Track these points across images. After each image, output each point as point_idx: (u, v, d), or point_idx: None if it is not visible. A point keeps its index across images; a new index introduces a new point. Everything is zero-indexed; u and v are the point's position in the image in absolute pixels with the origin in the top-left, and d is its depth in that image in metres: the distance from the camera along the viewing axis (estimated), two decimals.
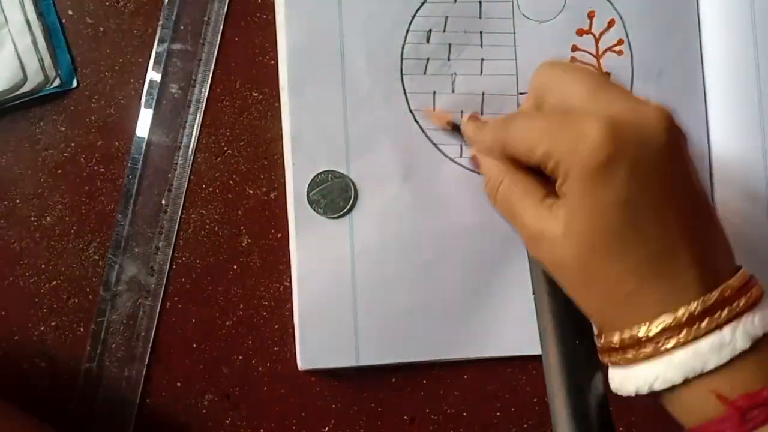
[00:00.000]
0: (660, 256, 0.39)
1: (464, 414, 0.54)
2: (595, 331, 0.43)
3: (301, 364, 0.52)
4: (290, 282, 0.52)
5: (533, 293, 0.48)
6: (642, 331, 0.39)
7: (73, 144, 0.52)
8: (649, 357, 0.39)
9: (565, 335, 0.45)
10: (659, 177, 0.39)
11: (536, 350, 0.48)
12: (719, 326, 0.38)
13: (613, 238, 0.39)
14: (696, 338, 0.38)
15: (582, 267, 0.40)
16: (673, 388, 0.39)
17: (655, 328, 0.38)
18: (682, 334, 0.38)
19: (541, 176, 0.44)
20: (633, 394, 0.40)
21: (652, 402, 0.52)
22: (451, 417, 0.54)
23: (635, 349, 0.39)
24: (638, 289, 0.39)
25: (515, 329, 0.52)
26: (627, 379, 0.40)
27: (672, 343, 0.38)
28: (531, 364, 0.54)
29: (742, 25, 0.54)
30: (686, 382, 0.38)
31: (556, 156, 0.40)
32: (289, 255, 0.52)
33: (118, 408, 0.52)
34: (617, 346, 0.40)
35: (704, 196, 0.41)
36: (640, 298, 0.39)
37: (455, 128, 0.52)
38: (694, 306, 0.38)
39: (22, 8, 0.51)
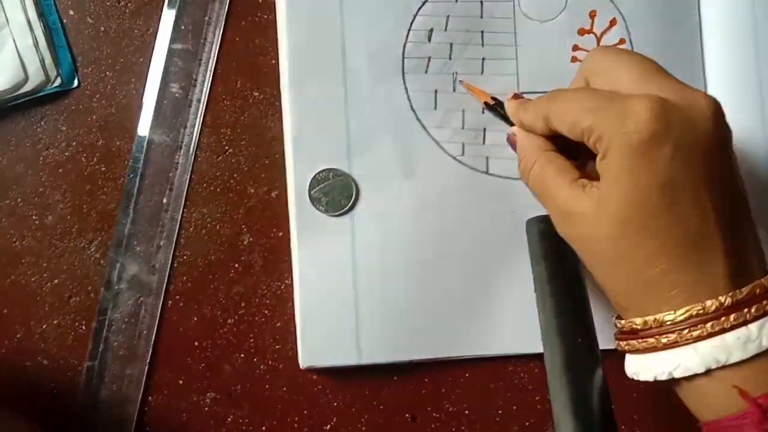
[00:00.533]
0: (694, 241, 0.39)
1: (466, 412, 0.54)
2: (613, 318, 0.44)
3: (303, 362, 0.52)
4: (291, 280, 0.52)
5: (535, 291, 0.48)
6: (669, 317, 0.39)
7: (74, 143, 0.53)
8: (672, 344, 0.39)
9: (567, 333, 0.45)
10: (702, 162, 0.39)
11: (538, 348, 0.48)
12: (746, 322, 0.38)
13: (649, 217, 0.39)
14: (723, 331, 0.38)
15: (613, 244, 0.40)
16: (692, 378, 0.39)
17: (681, 315, 0.39)
18: (709, 325, 0.38)
19: (575, 160, 0.45)
20: (651, 380, 0.41)
21: (654, 400, 0.52)
22: (453, 415, 0.54)
23: (658, 335, 0.40)
24: (668, 271, 0.39)
25: (517, 327, 0.52)
26: (646, 365, 0.41)
27: (697, 332, 0.38)
28: (533, 362, 0.54)
29: (743, 24, 0.54)
30: (708, 372, 0.38)
31: (599, 130, 0.40)
32: (291, 253, 0.52)
33: (120, 406, 0.52)
34: (639, 328, 0.40)
35: (744, 193, 0.41)
36: (669, 281, 0.39)
37: (496, 105, 0.52)
38: (724, 299, 0.38)
39: (23, 8, 0.51)
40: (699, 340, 0.38)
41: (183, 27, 0.52)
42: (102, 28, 0.53)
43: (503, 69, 0.53)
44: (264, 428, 0.53)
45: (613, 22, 0.54)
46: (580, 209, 0.41)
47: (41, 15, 0.52)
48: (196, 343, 0.53)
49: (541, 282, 0.48)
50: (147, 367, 0.52)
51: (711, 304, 0.38)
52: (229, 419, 0.53)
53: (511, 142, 0.50)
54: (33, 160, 0.52)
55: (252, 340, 0.53)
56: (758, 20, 0.54)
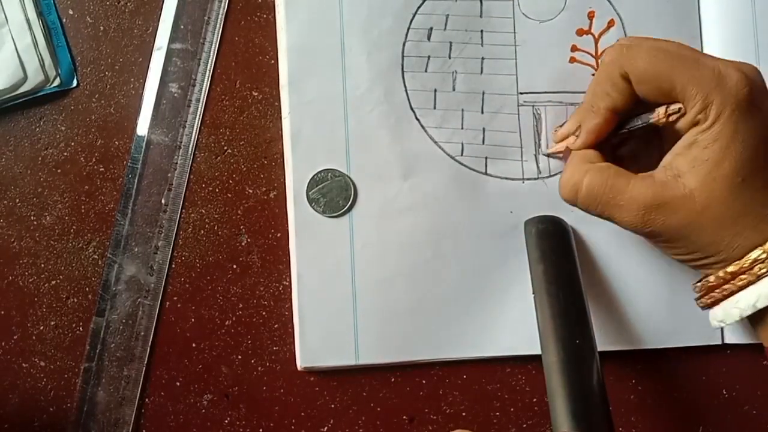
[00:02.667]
0: None
1: (463, 413, 0.54)
2: (695, 283, 0.46)
3: (301, 363, 0.52)
4: (290, 281, 0.52)
5: (533, 293, 0.48)
6: (756, 254, 0.42)
7: (72, 143, 0.53)
8: (748, 283, 0.42)
9: (565, 334, 0.45)
10: None
11: (535, 350, 0.48)
12: None
13: (760, 170, 0.42)
14: None
15: (729, 206, 0.42)
16: None
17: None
18: None
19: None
20: (738, 318, 0.43)
21: (652, 402, 0.52)
22: (451, 416, 0.53)
23: (734, 280, 0.43)
24: None
25: (515, 329, 0.52)
26: (730, 309, 0.44)
27: None
28: (530, 363, 0.54)
29: (743, 25, 0.54)
30: None
31: (701, 94, 0.42)
32: (289, 254, 0.52)
33: (117, 408, 0.52)
34: (731, 273, 0.43)
35: None
36: None
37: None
38: None
39: (22, 7, 0.51)
40: None
41: (182, 27, 0.52)
42: (101, 28, 0.53)
43: (502, 68, 0.53)
44: (261, 430, 0.53)
45: (611, 23, 0.54)
46: (680, 191, 0.43)
47: (40, 14, 0.52)
48: (194, 345, 0.53)
49: (539, 282, 0.48)
50: (144, 368, 0.52)
51: None
52: (227, 420, 0.53)
53: (565, 156, 0.50)
54: (32, 160, 0.52)
55: (250, 341, 0.53)
56: (758, 21, 0.54)
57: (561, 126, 0.51)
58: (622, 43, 0.46)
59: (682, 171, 0.43)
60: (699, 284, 0.46)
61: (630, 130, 0.48)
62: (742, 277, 0.43)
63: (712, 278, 0.44)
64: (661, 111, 0.44)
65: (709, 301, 0.45)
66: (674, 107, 0.44)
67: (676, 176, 0.43)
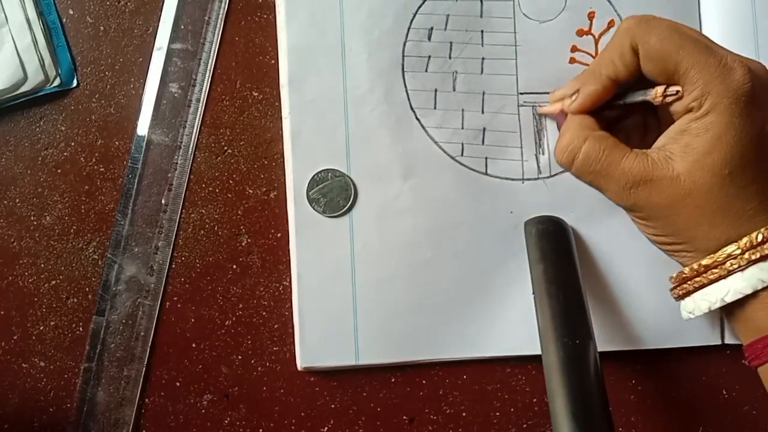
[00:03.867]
0: None
1: (463, 414, 0.54)
2: (672, 279, 0.47)
3: (301, 363, 0.52)
4: (290, 282, 0.52)
5: (533, 293, 0.48)
6: (730, 249, 0.43)
7: (73, 143, 0.53)
8: (719, 277, 0.43)
9: (565, 334, 0.45)
10: None
11: (535, 350, 0.48)
12: None
13: (749, 166, 0.43)
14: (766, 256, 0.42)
15: (713, 196, 0.43)
16: (743, 303, 0.44)
17: (744, 245, 0.43)
18: (750, 253, 0.43)
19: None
20: (706, 311, 0.45)
21: (651, 402, 0.52)
22: (451, 417, 0.53)
23: (707, 272, 0.44)
24: (758, 210, 0.43)
25: (515, 329, 0.52)
26: (700, 301, 0.45)
27: (746, 259, 0.42)
28: (530, 364, 0.54)
29: (743, 25, 0.54)
30: (755, 294, 0.43)
31: (701, 81, 0.43)
32: (289, 255, 0.52)
33: (117, 408, 0.52)
34: (705, 266, 0.44)
35: None
36: (756, 219, 0.43)
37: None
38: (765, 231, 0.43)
39: (22, 7, 0.51)
40: (747, 267, 0.42)
41: (182, 27, 0.52)
42: (101, 28, 0.53)
43: (502, 68, 0.53)
44: (261, 430, 0.53)
45: (611, 24, 0.54)
46: (668, 172, 0.44)
47: (40, 14, 0.52)
48: (194, 345, 0.53)
49: (539, 283, 0.48)
50: (144, 368, 0.52)
51: (756, 234, 0.42)
52: (227, 421, 0.53)
53: (559, 119, 0.51)
54: (32, 160, 0.52)
55: (250, 342, 0.53)
56: (758, 21, 0.54)
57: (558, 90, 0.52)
58: (643, 15, 0.46)
59: (673, 154, 0.44)
60: (674, 275, 0.47)
61: (626, 103, 0.48)
62: (714, 270, 0.44)
63: (686, 270, 0.45)
64: (659, 90, 0.45)
65: (681, 292, 0.46)
66: (672, 89, 0.44)
67: (667, 158, 0.44)
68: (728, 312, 0.45)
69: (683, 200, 0.44)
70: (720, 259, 0.43)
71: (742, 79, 0.42)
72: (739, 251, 0.43)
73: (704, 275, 0.44)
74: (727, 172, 0.43)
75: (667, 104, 0.45)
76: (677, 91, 0.44)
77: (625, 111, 0.50)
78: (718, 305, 0.44)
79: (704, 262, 0.44)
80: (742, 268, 0.43)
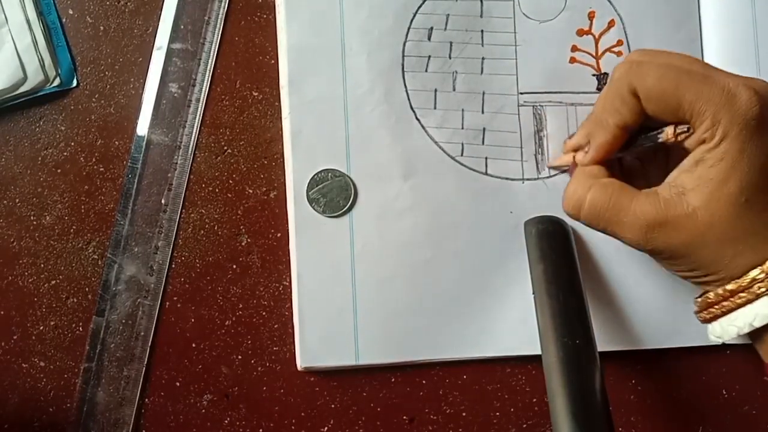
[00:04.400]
0: None
1: (463, 414, 0.54)
2: (696, 298, 0.46)
3: (301, 363, 0.52)
4: (290, 282, 0.52)
5: (533, 293, 0.48)
6: (754, 273, 0.42)
7: (72, 143, 0.52)
8: (747, 301, 0.43)
9: (565, 334, 0.45)
10: None
11: (535, 350, 0.48)
12: None
13: (765, 187, 0.42)
14: None
15: (732, 225, 0.42)
16: None
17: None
18: None
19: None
20: (735, 336, 0.44)
21: (651, 402, 0.52)
22: (451, 417, 0.53)
23: (733, 297, 0.43)
24: None
25: (515, 329, 0.52)
26: (727, 326, 0.44)
27: None
28: (530, 364, 0.54)
29: (743, 26, 0.54)
30: None
31: (709, 112, 0.42)
32: (289, 254, 0.52)
33: (117, 408, 0.51)
34: (730, 291, 0.43)
35: None
36: None
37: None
38: None
39: (22, 7, 0.51)
40: None
41: (182, 26, 0.52)
42: (101, 28, 0.53)
43: (503, 68, 0.53)
44: (261, 430, 0.53)
45: (611, 24, 0.54)
46: (683, 210, 0.43)
47: (40, 14, 0.52)
48: (194, 345, 0.53)
49: (539, 283, 0.48)
50: (144, 368, 0.52)
51: None
52: (227, 421, 0.53)
53: (571, 174, 0.50)
54: (31, 160, 0.52)
55: (250, 342, 0.53)
56: (758, 22, 0.54)
57: (570, 138, 0.51)
58: (633, 58, 0.45)
59: (686, 188, 0.43)
60: (699, 299, 0.46)
61: (638, 149, 0.47)
62: (741, 295, 0.43)
63: (711, 295, 0.44)
64: (669, 131, 0.44)
65: (708, 316, 0.45)
66: (682, 127, 0.44)
67: (680, 194, 0.43)
68: (755, 335, 0.44)
69: (703, 235, 0.42)
70: (744, 284, 0.42)
71: (749, 102, 0.41)
72: (763, 275, 0.42)
73: (731, 300, 0.43)
74: (744, 200, 0.42)
75: (680, 142, 0.44)
76: (687, 128, 0.43)
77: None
78: (746, 330, 0.43)
79: (729, 287, 0.43)
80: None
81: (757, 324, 0.42)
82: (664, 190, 0.44)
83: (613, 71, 0.46)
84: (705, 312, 0.45)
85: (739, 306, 0.43)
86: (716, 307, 0.44)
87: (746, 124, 0.41)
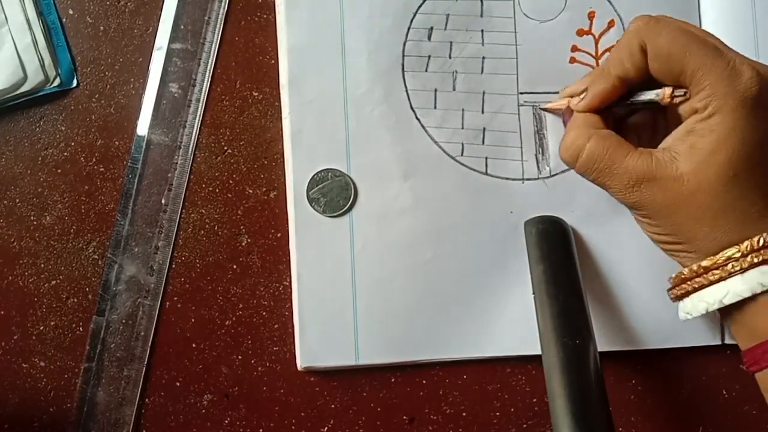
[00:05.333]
0: None
1: (463, 414, 0.54)
2: (670, 280, 0.47)
3: (301, 363, 0.52)
4: (290, 282, 0.52)
5: (533, 293, 0.48)
6: (731, 252, 0.43)
7: (73, 143, 0.53)
8: (719, 279, 0.43)
9: (565, 334, 0.45)
10: None
11: (535, 350, 0.48)
12: None
13: (754, 168, 0.43)
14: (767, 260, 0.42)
15: (716, 197, 0.43)
16: (741, 306, 0.44)
17: (745, 248, 0.43)
18: (753, 256, 0.43)
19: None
20: (703, 312, 0.45)
21: (651, 402, 0.52)
22: (451, 417, 0.53)
23: (707, 273, 0.44)
24: (762, 215, 0.43)
25: (515, 329, 0.52)
26: (698, 302, 0.45)
27: (747, 262, 0.42)
28: (530, 364, 0.54)
29: (743, 26, 0.54)
30: (754, 297, 0.43)
31: (710, 88, 0.43)
32: (289, 255, 0.52)
33: (117, 408, 0.52)
34: (705, 268, 0.44)
35: None
36: (761, 223, 0.43)
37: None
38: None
39: (22, 7, 0.51)
40: (748, 270, 0.42)
41: (182, 26, 0.52)
42: (101, 28, 0.53)
43: (503, 68, 0.53)
44: (261, 430, 0.53)
45: (611, 24, 0.54)
46: (671, 172, 0.44)
47: (40, 14, 0.52)
48: (194, 345, 0.53)
49: (539, 283, 0.48)
50: (144, 368, 0.52)
51: (759, 239, 0.42)
52: (227, 421, 0.53)
53: (566, 117, 0.51)
54: (32, 160, 0.52)
55: (250, 342, 0.53)
56: (758, 21, 0.54)
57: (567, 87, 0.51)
58: (653, 16, 0.46)
59: (678, 154, 0.44)
60: (674, 276, 0.47)
61: (633, 103, 0.48)
62: (715, 272, 0.44)
63: (685, 271, 0.45)
64: (667, 91, 0.45)
65: (679, 292, 0.46)
66: (680, 91, 0.44)
67: (672, 158, 0.44)
68: (727, 315, 0.45)
69: (686, 200, 0.43)
70: (720, 261, 0.43)
71: (750, 81, 0.42)
72: (739, 254, 0.43)
73: (704, 276, 0.44)
74: (732, 174, 0.42)
75: (674, 105, 0.45)
76: (684, 92, 0.44)
77: (634, 110, 0.50)
78: (716, 307, 0.44)
79: (704, 263, 0.44)
80: (742, 271, 0.42)
81: (727, 301, 0.43)
82: (658, 151, 0.45)
83: (630, 24, 0.47)
84: (677, 288, 0.46)
85: (712, 283, 0.44)
86: (689, 283, 0.45)
87: (743, 101, 0.42)
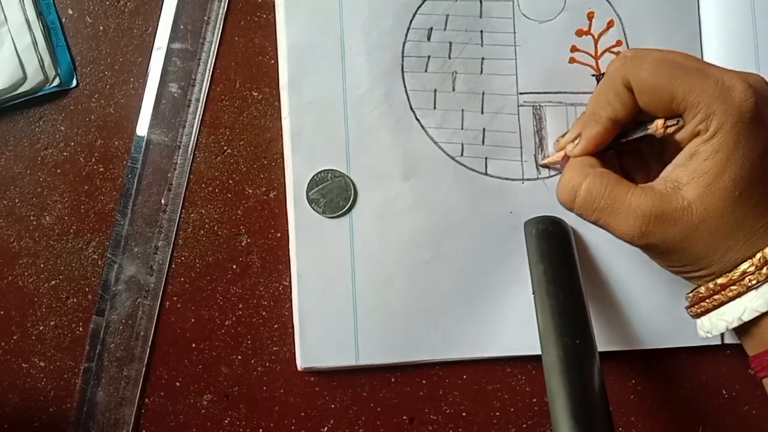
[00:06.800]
0: None
1: (463, 414, 0.54)
2: (688, 294, 0.46)
3: (301, 363, 0.52)
4: (289, 282, 0.52)
5: (533, 293, 0.48)
6: (745, 266, 0.42)
7: (72, 143, 0.52)
8: (737, 294, 0.43)
9: (565, 334, 0.45)
10: None
11: (535, 350, 0.48)
12: None
13: (759, 184, 0.42)
14: None
15: (726, 219, 0.42)
16: (759, 320, 0.43)
17: (758, 261, 0.42)
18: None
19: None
20: (724, 330, 0.44)
21: (651, 402, 0.52)
22: (451, 417, 0.53)
23: (724, 291, 0.43)
24: None
25: (515, 329, 0.52)
26: (717, 320, 0.44)
27: (764, 276, 0.42)
28: (530, 364, 0.54)
29: (743, 26, 0.54)
30: None
31: (703, 104, 0.42)
32: (289, 255, 0.52)
33: (117, 408, 0.52)
34: (721, 285, 0.43)
35: None
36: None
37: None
38: None
39: (21, 7, 0.51)
40: (763, 283, 0.42)
41: (182, 26, 0.52)
42: (101, 28, 0.53)
43: (502, 69, 0.53)
44: (261, 430, 0.53)
45: (610, 24, 0.54)
46: (678, 203, 0.43)
47: (40, 14, 0.52)
48: (194, 345, 0.53)
49: (539, 283, 0.48)
50: (144, 368, 0.52)
51: None
52: (227, 421, 0.53)
53: (562, 167, 0.49)
54: (31, 160, 0.52)
55: (250, 342, 0.53)
56: (758, 21, 0.54)
57: (563, 136, 0.51)
58: (627, 53, 0.45)
59: (681, 182, 0.43)
60: (691, 294, 0.46)
61: (629, 141, 0.47)
62: (732, 288, 0.43)
63: (702, 289, 0.45)
64: (659, 123, 0.44)
65: (699, 311, 0.45)
66: (672, 120, 0.44)
67: (675, 188, 0.43)
68: (741, 330, 0.45)
69: (697, 229, 0.43)
70: (735, 277, 0.43)
71: (744, 95, 0.41)
72: (753, 267, 0.42)
73: (722, 293, 0.44)
74: (737, 194, 0.42)
75: (670, 135, 0.44)
76: (677, 121, 0.43)
77: (626, 149, 0.50)
78: (735, 324, 0.43)
79: (720, 281, 0.43)
80: (757, 285, 0.42)
81: (746, 318, 0.43)
82: (659, 184, 0.44)
83: (608, 65, 0.46)
84: (696, 307, 0.46)
85: (730, 299, 0.43)
86: (707, 301, 0.44)
87: (741, 116, 0.41)
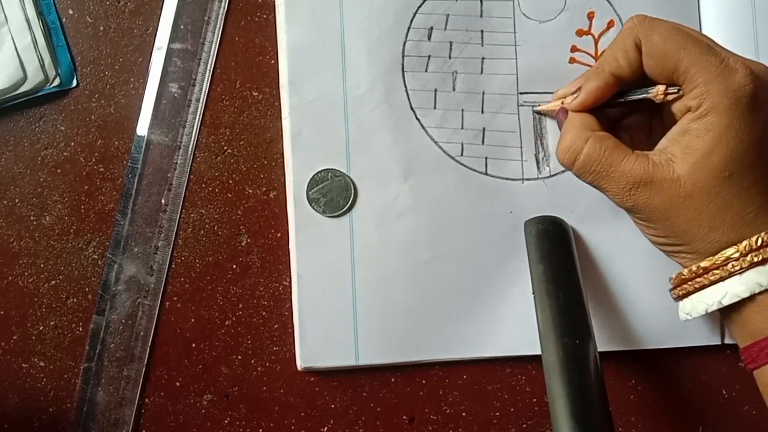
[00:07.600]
0: None
1: (463, 414, 0.54)
2: (671, 277, 0.47)
3: (301, 363, 0.52)
4: (290, 281, 0.52)
5: (533, 293, 0.48)
6: (729, 252, 0.43)
7: (72, 143, 0.52)
8: (719, 279, 0.44)
9: (565, 334, 0.45)
10: None
11: (535, 350, 0.48)
12: None
13: (749, 169, 0.43)
14: (765, 261, 0.42)
15: (713, 198, 0.43)
16: (739, 306, 0.44)
17: (744, 248, 0.43)
18: (753, 256, 0.43)
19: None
20: (703, 312, 0.45)
21: (651, 402, 0.52)
22: (451, 417, 0.53)
23: (707, 274, 0.44)
24: (756, 215, 0.43)
25: (515, 329, 0.52)
26: (698, 303, 0.45)
27: (747, 262, 0.43)
28: (530, 364, 0.54)
29: (743, 26, 0.54)
30: (752, 298, 0.43)
31: (702, 80, 0.43)
32: (289, 254, 0.52)
33: (117, 408, 0.51)
34: (704, 268, 0.44)
35: None
36: (757, 223, 0.43)
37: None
38: (765, 236, 0.43)
39: (22, 7, 0.51)
40: (746, 270, 0.42)
41: (182, 26, 0.52)
42: (101, 28, 0.53)
43: (502, 68, 0.53)
44: (261, 430, 0.53)
45: (610, 24, 0.54)
46: (668, 175, 0.44)
47: (40, 14, 0.52)
48: (194, 345, 0.53)
49: (539, 283, 0.48)
50: (144, 368, 0.52)
51: (756, 238, 0.43)
52: (227, 421, 0.53)
53: (560, 118, 0.50)
54: (31, 160, 0.52)
55: (249, 342, 0.53)
56: (758, 21, 0.54)
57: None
58: (646, 15, 0.46)
59: (674, 156, 0.44)
60: (674, 276, 0.47)
61: (627, 101, 0.48)
62: (715, 272, 0.44)
63: (685, 271, 0.45)
64: (660, 88, 0.45)
65: (681, 293, 0.46)
66: (673, 88, 0.45)
67: (668, 160, 0.44)
68: (725, 314, 0.45)
69: (683, 202, 0.43)
70: (719, 262, 0.43)
71: (744, 80, 0.42)
72: (737, 254, 0.43)
73: (704, 276, 0.44)
74: (727, 175, 0.43)
75: (668, 103, 0.45)
76: (678, 90, 0.44)
77: (629, 110, 0.50)
78: (715, 308, 0.44)
79: (703, 264, 0.44)
80: (740, 272, 0.43)
81: (726, 302, 0.43)
82: (655, 154, 0.45)
83: (625, 22, 0.47)
84: (679, 289, 0.46)
85: (712, 283, 0.44)
86: (690, 283, 0.45)
87: (737, 100, 0.42)
